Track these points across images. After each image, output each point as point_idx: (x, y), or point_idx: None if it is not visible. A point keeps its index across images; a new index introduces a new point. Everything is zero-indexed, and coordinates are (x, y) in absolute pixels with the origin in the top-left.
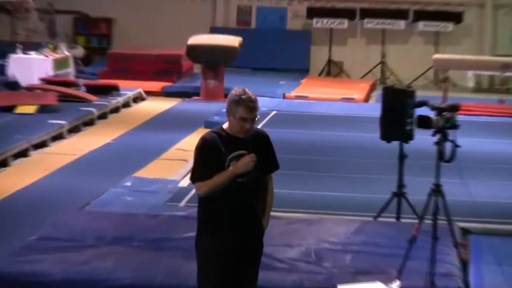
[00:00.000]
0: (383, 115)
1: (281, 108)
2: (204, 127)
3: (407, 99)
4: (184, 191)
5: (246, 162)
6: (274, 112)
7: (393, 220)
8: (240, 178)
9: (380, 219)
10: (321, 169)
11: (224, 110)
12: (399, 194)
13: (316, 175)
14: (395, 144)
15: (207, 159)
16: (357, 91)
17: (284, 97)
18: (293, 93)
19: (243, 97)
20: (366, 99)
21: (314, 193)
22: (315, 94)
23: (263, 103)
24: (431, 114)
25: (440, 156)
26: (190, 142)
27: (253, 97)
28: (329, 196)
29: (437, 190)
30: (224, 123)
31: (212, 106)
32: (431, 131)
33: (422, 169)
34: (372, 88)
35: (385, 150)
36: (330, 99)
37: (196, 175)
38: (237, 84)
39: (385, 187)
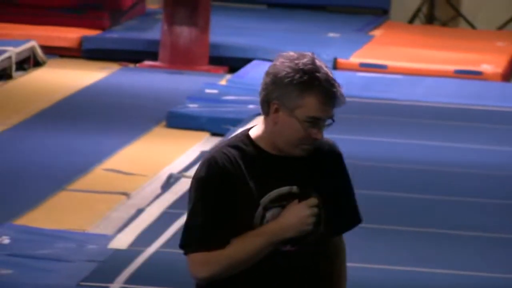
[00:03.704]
0: None
1: None
2: (165, 124)
3: None
4: (121, 258)
5: (301, 216)
6: None
7: None
8: (288, 244)
9: None
10: (417, 221)
11: (212, 91)
12: None
13: (405, 233)
14: None
15: (220, 206)
16: (489, 58)
17: (336, 65)
18: (356, 59)
19: (318, 74)
20: (507, 73)
21: (402, 271)
22: (401, 61)
23: None
24: None
25: None
26: (134, 155)
27: (331, 74)
28: (435, 278)
29: None
30: (249, 126)
31: (184, 81)
32: None
33: None
34: None
35: None
36: (433, 73)
37: (196, 238)
38: (240, 39)
39: None
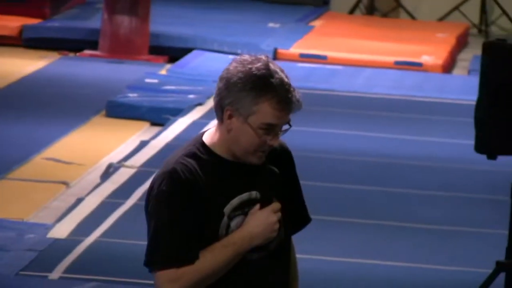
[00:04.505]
0: (482, 101)
1: None
2: (105, 114)
3: None
4: (60, 247)
5: (267, 223)
6: None
7: None
8: (255, 252)
9: None
10: (357, 212)
11: (152, 81)
12: (511, 266)
13: (347, 224)
14: (506, 162)
15: (185, 220)
16: (430, 49)
17: (276, 56)
18: (296, 49)
19: (271, 80)
20: (448, 65)
21: (345, 262)
22: (341, 52)
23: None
24: None
25: None
26: (74, 144)
27: (287, 79)
28: (377, 269)
29: None
30: (205, 132)
31: (124, 70)
32: None
33: None
34: (461, 43)
35: (484, 175)
36: (373, 64)
37: (164, 255)
38: (181, 28)
39: (483, 251)
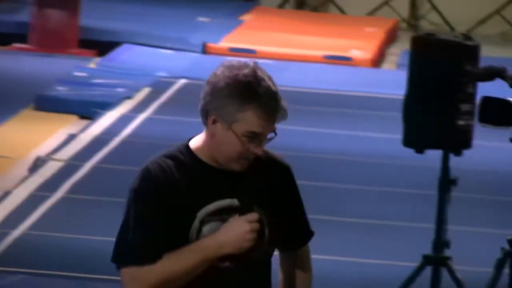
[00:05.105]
0: (411, 95)
1: (199, 73)
2: (34, 107)
3: (462, 62)
4: None
5: (239, 232)
6: (182, 82)
7: None
8: (227, 261)
9: None
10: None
11: (81, 74)
12: (437, 260)
13: None
14: (433, 157)
15: (151, 219)
16: (359, 43)
17: (205, 50)
18: (225, 43)
19: (258, 87)
20: (377, 59)
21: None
22: (271, 46)
23: (161, 62)
24: None
25: None
26: (1, 138)
27: (274, 87)
28: (327, 265)
29: None
30: (193, 138)
31: (54, 64)
32: (510, 131)
33: (484, 210)
34: (391, 37)
35: (412, 170)
36: (302, 58)
37: (126, 253)
38: (111, 22)
39: (410, 245)
